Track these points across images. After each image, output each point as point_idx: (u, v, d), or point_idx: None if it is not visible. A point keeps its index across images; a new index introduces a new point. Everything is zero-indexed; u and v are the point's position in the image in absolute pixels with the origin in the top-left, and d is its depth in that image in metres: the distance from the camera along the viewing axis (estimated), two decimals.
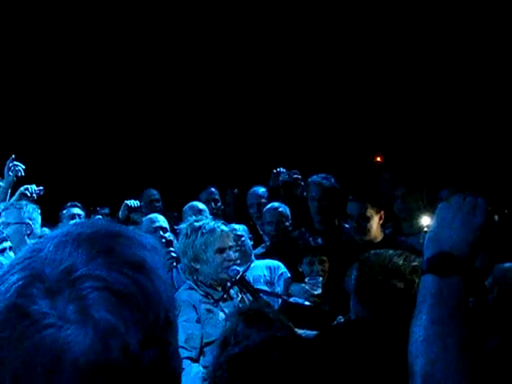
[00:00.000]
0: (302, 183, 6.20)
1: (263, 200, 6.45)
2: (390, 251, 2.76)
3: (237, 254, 4.39)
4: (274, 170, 6.56)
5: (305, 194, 6.08)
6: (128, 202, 6.04)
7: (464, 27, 8.76)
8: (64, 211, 7.00)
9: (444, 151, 8.26)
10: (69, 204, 7.14)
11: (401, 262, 2.61)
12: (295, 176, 6.24)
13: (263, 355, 1.53)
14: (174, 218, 6.57)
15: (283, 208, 5.92)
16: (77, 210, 6.93)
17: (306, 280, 4.69)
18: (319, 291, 4.58)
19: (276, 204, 5.98)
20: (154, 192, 7.41)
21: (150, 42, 9.95)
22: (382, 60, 9.38)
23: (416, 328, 1.45)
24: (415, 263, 2.60)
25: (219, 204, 7.16)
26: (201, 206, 6.08)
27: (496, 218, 1.55)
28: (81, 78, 9.91)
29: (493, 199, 1.55)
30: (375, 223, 5.25)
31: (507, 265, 3.61)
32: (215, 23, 9.85)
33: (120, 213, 6.02)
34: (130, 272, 0.93)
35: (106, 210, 7.30)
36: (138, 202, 6.14)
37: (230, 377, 1.54)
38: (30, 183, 5.87)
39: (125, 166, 9.69)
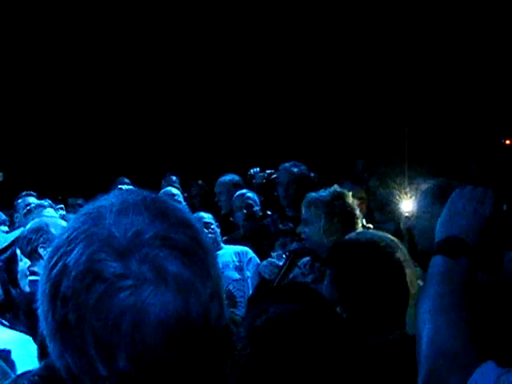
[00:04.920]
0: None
1: (227, 188, 6.47)
2: (361, 238, 2.71)
3: None
4: (249, 172, 6.56)
5: None
6: None
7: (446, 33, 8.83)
8: (19, 200, 6.81)
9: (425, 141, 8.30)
10: (24, 193, 6.97)
11: (375, 249, 2.54)
12: (273, 176, 6.13)
13: (286, 328, 1.50)
14: None
15: (251, 194, 5.96)
16: (32, 199, 6.72)
17: (273, 254, 4.49)
18: (278, 261, 4.30)
19: (244, 190, 6.03)
20: (127, 181, 7.34)
21: (133, 36, 9.81)
22: (365, 57, 9.37)
23: (424, 300, 1.55)
24: (389, 248, 2.54)
25: (180, 191, 7.06)
26: (174, 190, 6.20)
27: (505, 207, 1.63)
28: (43, 65, 9.69)
29: (503, 189, 1.64)
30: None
31: None
32: (199, 16, 9.76)
33: None
34: (187, 231, 0.99)
35: (80, 201, 7.12)
36: None
37: (253, 350, 1.49)
38: None
39: (93, 156, 9.51)
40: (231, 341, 1.04)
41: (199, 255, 0.98)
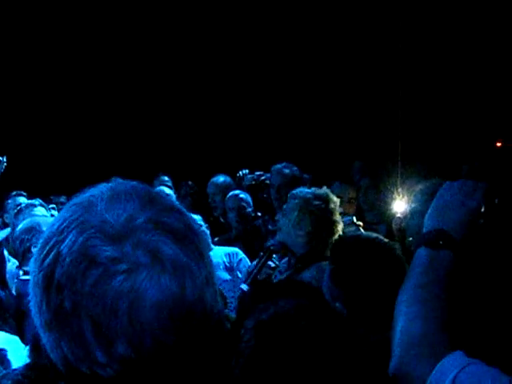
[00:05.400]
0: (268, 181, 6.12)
1: (221, 189, 6.47)
2: (363, 236, 2.77)
3: None
4: (238, 174, 6.61)
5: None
6: None
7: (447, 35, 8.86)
8: (9, 200, 6.83)
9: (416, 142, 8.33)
10: (14, 193, 6.96)
11: (376, 246, 2.58)
12: (262, 178, 6.16)
13: (291, 323, 1.52)
14: None
15: (244, 195, 5.97)
16: (22, 199, 6.68)
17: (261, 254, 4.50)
18: (273, 264, 4.27)
19: (237, 191, 6.04)
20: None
21: (125, 38, 9.79)
22: (358, 57, 9.38)
23: (402, 291, 1.56)
24: (389, 246, 2.60)
25: (172, 191, 7.05)
26: (167, 190, 6.18)
27: (496, 201, 1.62)
28: (31, 65, 9.66)
29: (495, 184, 1.64)
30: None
31: None
32: (194, 17, 9.76)
33: None
34: (179, 216, 0.99)
35: (62, 199, 7.09)
36: None
37: (257, 343, 1.52)
38: None
39: (85, 156, 9.48)
40: (224, 327, 1.05)
41: (192, 239, 0.98)
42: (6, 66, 9.44)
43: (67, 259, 0.93)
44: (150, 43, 9.93)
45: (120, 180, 1.07)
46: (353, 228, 4.51)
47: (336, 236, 3.79)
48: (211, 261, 1.03)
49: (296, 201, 3.88)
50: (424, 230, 1.63)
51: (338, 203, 3.95)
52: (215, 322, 0.99)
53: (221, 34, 9.76)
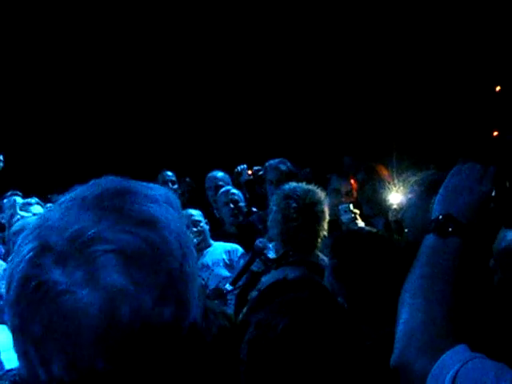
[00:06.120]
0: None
1: (221, 183, 6.47)
2: (365, 230, 2.83)
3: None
4: (236, 169, 6.62)
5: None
6: None
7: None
8: (5, 200, 6.79)
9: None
10: (9, 193, 6.95)
11: (378, 240, 2.58)
12: (260, 174, 6.17)
13: (270, 327, 1.55)
14: None
15: (236, 190, 6.00)
16: (18, 199, 6.67)
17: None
18: (272, 255, 4.21)
19: (228, 187, 6.07)
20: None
21: (126, 34, 9.78)
22: (351, 53, 9.39)
23: (407, 281, 1.52)
24: (391, 240, 2.70)
25: (176, 186, 7.10)
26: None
27: (508, 184, 1.59)
28: (27, 63, 9.65)
29: (505, 167, 1.59)
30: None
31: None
32: (194, 15, 9.75)
33: None
34: (138, 230, 0.94)
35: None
36: None
37: (253, 337, 1.57)
38: None
39: (83, 154, 9.48)
40: (202, 339, 1.00)
41: (146, 258, 0.93)
42: (2, 65, 9.44)
43: (15, 278, 0.95)
44: (150, 41, 9.93)
45: (103, 180, 1.03)
46: (350, 215, 4.53)
47: (321, 235, 3.54)
48: (181, 275, 0.96)
49: (275, 197, 3.63)
50: (433, 216, 1.59)
51: (323, 201, 3.59)
52: (184, 337, 0.96)
53: (218, 32, 9.76)
